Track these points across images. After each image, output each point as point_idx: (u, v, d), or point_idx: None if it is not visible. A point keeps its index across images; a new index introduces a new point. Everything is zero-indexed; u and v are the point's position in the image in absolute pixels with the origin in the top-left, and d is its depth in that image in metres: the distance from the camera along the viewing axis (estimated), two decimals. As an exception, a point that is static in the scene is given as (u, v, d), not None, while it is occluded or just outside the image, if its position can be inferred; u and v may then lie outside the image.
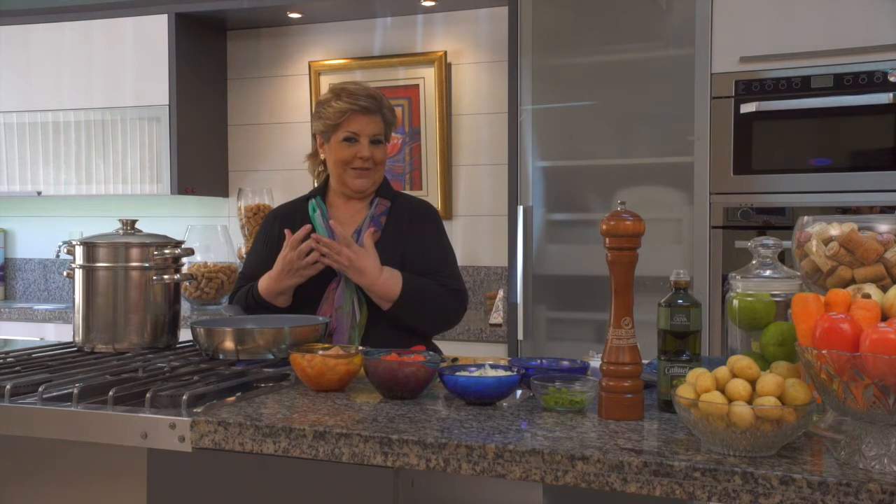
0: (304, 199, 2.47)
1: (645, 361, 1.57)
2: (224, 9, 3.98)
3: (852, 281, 1.43)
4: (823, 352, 1.21)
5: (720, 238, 2.99)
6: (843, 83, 2.87)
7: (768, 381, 1.29)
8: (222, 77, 4.37)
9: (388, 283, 2.25)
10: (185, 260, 2.28)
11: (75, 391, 1.62)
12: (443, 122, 3.97)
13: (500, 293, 3.54)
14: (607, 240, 1.52)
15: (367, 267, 2.23)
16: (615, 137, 3.28)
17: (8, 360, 2.00)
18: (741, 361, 1.33)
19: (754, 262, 1.59)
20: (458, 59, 4.00)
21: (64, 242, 2.28)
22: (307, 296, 2.32)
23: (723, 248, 2.98)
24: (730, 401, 1.28)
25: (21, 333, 3.94)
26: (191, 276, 2.46)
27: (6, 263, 4.78)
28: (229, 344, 1.94)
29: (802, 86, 2.91)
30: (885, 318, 1.27)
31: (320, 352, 1.79)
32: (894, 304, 1.28)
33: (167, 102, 4.03)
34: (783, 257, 1.62)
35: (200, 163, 4.21)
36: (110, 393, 1.60)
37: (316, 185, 2.55)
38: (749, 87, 2.96)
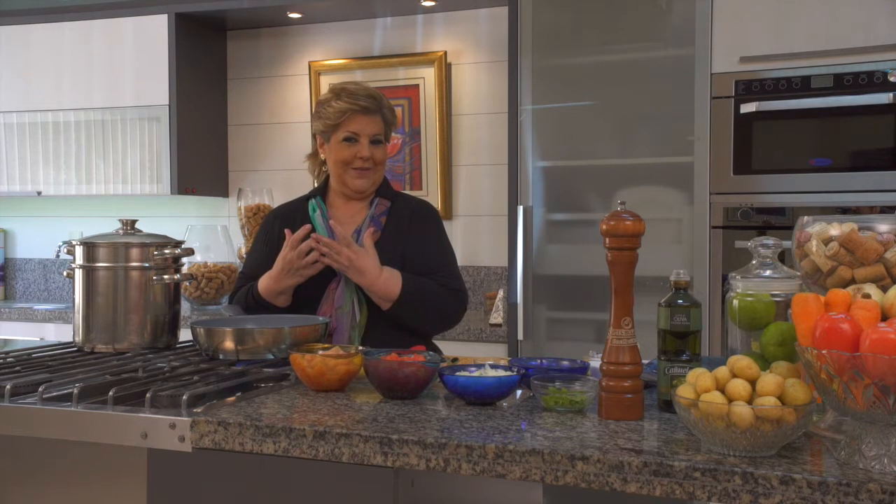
0: (304, 199, 2.47)
1: (645, 361, 1.57)
2: (224, 9, 3.98)
3: (852, 281, 1.43)
4: (823, 352, 1.21)
5: (720, 238, 2.99)
6: (843, 83, 2.87)
7: (768, 381, 1.29)
8: (222, 77, 4.37)
9: (387, 282, 2.25)
10: (185, 260, 2.28)
11: (75, 391, 1.62)
12: (443, 122, 3.97)
13: (500, 293, 3.54)
14: (607, 240, 1.52)
15: (366, 267, 2.23)
16: (615, 137, 3.28)
17: (8, 360, 2.00)
18: (741, 361, 1.33)
19: (754, 262, 1.59)
20: (458, 59, 4.00)
21: (64, 242, 2.28)
22: (307, 296, 2.32)
23: (723, 248, 2.98)
24: (730, 401, 1.28)
25: (21, 333, 3.94)
26: (191, 276, 2.46)
27: (6, 263, 4.78)
28: (229, 344, 1.94)
29: (802, 86, 2.91)
30: (885, 318, 1.27)
31: (320, 352, 1.79)
32: (894, 304, 1.28)
33: (167, 102, 4.03)
34: (783, 257, 1.62)
35: (200, 163, 4.21)
36: (110, 393, 1.60)
37: (316, 185, 2.55)
38: (749, 87, 2.97)
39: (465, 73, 4.00)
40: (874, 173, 2.83)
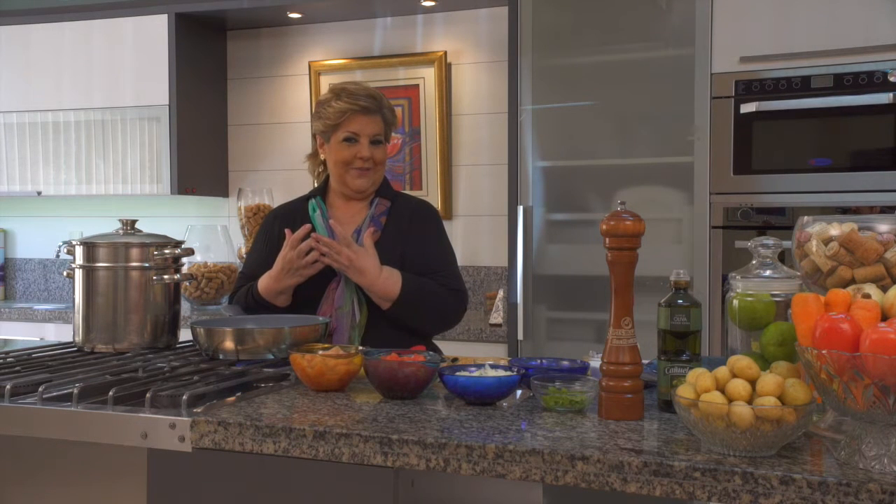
0: (304, 199, 2.47)
1: (645, 361, 1.57)
2: (224, 9, 3.98)
3: (852, 281, 1.43)
4: (823, 352, 1.21)
5: (720, 238, 2.99)
6: (843, 83, 2.87)
7: (768, 381, 1.29)
8: (222, 77, 4.37)
9: (387, 282, 2.25)
10: (185, 260, 2.28)
11: (75, 391, 1.62)
12: (443, 122, 3.97)
13: (500, 293, 3.54)
14: (607, 240, 1.52)
15: (366, 267, 2.23)
16: (615, 137, 3.28)
17: (8, 360, 2.00)
18: (741, 361, 1.33)
19: (754, 262, 1.59)
20: (458, 59, 4.00)
21: (64, 242, 2.28)
22: (307, 296, 2.32)
23: (723, 248, 2.98)
24: (730, 401, 1.28)
25: (21, 333, 3.94)
26: (191, 276, 2.46)
27: (6, 263, 4.78)
28: (229, 344, 1.94)
29: (802, 86, 2.91)
30: (885, 318, 1.27)
31: (320, 352, 1.79)
32: (894, 304, 1.28)
33: (167, 102, 4.03)
34: (783, 257, 1.62)
35: (200, 163, 4.21)
36: (110, 393, 1.60)
37: (316, 185, 2.55)
38: (749, 87, 2.97)
39: (465, 73, 4.00)
40: (874, 173, 2.83)
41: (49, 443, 1.67)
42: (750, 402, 1.28)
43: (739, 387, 1.29)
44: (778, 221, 2.93)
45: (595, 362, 1.75)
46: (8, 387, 1.64)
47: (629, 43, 3.23)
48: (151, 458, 1.55)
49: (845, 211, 2.83)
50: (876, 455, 1.20)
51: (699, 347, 1.55)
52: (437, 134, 3.98)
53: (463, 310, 2.39)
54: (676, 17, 3.15)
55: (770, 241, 1.59)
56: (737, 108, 2.97)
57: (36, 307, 4.10)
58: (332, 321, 2.25)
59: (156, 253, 2.15)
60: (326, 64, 4.17)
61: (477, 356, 2.33)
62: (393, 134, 2.81)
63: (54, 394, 1.68)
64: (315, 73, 4.18)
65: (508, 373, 1.68)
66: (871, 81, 2.83)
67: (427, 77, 4.00)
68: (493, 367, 1.73)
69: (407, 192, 3.26)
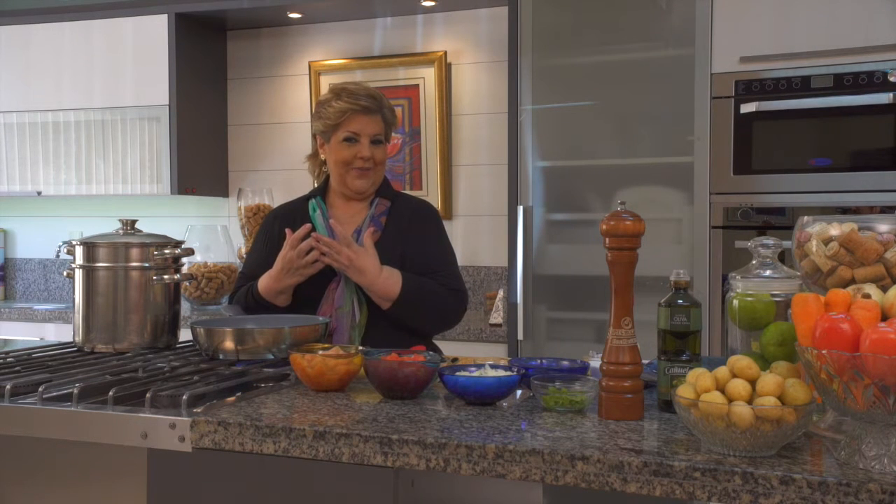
0: (304, 199, 2.47)
1: (645, 361, 1.57)
2: (224, 9, 3.98)
3: (852, 281, 1.43)
4: (823, 352, 1.21)
5: (720, 238, 2.99)
6: (843, 83, 2.87)
7: (768, 381, 1.29)
8: (222, 77, 4.37)
9: (387, 282, 2.25)
10: (185, 260, 2.28)
11: (75, 391, 1.62)
12: (443, 122, 3.97)
13: (500, 293, 3.54)
14: (607, 240, 1.52)
15: (366, 266, 2.23)
16: (615, 137, 3.28)
17: (8, 360, 2.00)
18: (741, 361, 1.33)
19: (754, 262, 1.59)
20: (458, 59, 4.00)
21: (64, 242, 2.28)
22: (307, 296, 2.32)
23: (723, 248, 2.98)
24: (730, 401, 1.28)
25: (21, 333, 3.94)
26: (191, 276, 2.46)
27: (6, 263, 4.78)
28: (229, 344, 1.94)
29: (802, 86, 2.91)
30: (885, 318, 1.27)
31: (320, 352, 1.79)
32: (894, 304, 1.28)
33: (167, 102, 4.03)
34: (783, 257, 1.62)
35: (200, 163, 4.21)
36: (110, 393, 1.60)
37: (316, 185, 2.55)
38: (749, 87, 2.97)
39: (465, 73, 4.00)
40: (874, 173, 2.83)
41: (49, 443, 1.67)
42: (750, 402, 1.28)
43: (739, 387, 1.29)
44: (778, 221, 2.93)
45: (595, 362, 1.75)
46: (8, 387, 1.64)
47: (629, 43, 3.23)
48: (151, 458, 1.55)
49: (845, 211, 2.83)
50: (876, 455, 1.20)
51: (699, 347, 1.55)
52: (437, 134, 3.98)
53: (463, 310, 2.39)
54: (676, 17, 3.15)
55: (770, 241, 1.59)
56: (737, 108, 2.97)
57: (36, 307, 4.10)
58: (332, 321, 2.25)
59: (156, 253, 2.15)
60: (326, 64, 4.17)
61: (477, 356, 2.33)
62: (393, 134, 2.81)
63: (54, 394, 1.68)
64: (315, 73, 4.18)
65: (508, 373, 1.68)
66: (871, 81, 2.83)
67: (427, 77, 4.00)
68: (493, 367, 1.73)
69: (407, 192, 3.26)
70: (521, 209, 3.25)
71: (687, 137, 3.06)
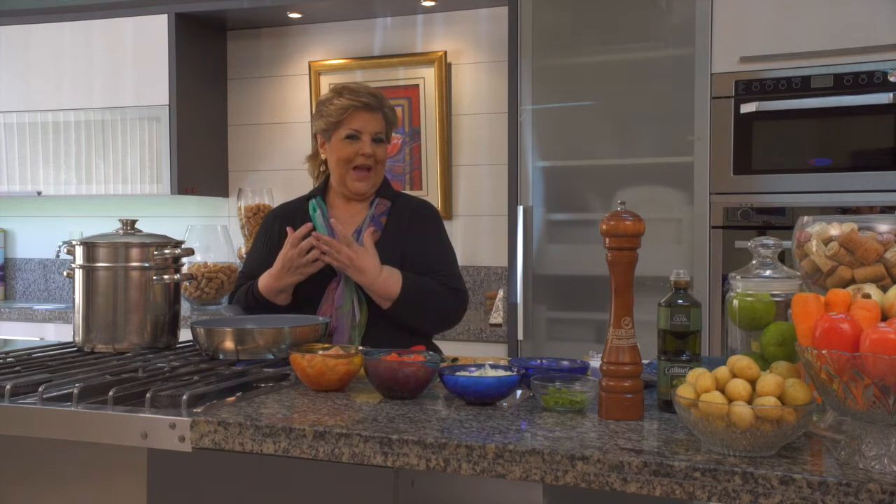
0: (305, 199, 2.47)
1: (645, 361, 1.57)
2: (224, 9, 3.98)
3: (852, 281, 1.43)
4: (823, 352, 1.21)
5: (720, 238, 2.99)
6: (843, 83, 2.87)
7: (768, 381, 1.29)
8: (222, 77, 4.37)
9: (387, 281, 2.25)
10: (185, 260, 2.28)
11: (75, 391, 1.62)
12: (443, 122, 3.97)
13: (500, 293, 3.54)
14: (607, 240, 1.52)
15: (367, 266, 2.23)
16: (615, 137, 3.28)
17: (8, 360, 2.00)
18: (741, 361, 1.33)
19: (754, 262, 1.59)
20: (458, 59, 4.00)
21: (64, 242, 2.28)
22: (307, 295, 2.32)
23: (723, 248, 2.98)
24: (730, 401, 1.28)
25: (21, 333, 3.93)
26: (191, 276, 2.46)
27: (6, 263, 4.78)
28: (229, 344, 1.94)
29: (802, 86, 2.91)
30: (885, 318, 1.27)
31: (320, 352, 1.79)
32: (894, 304, 1.28)
33: (167, 102, 4.03)
34: (783, 257, 1.62)
35: (200, 163, 4.21)
36: (110, 393, 1.60)
37: (315, 186, 2.55)
38: (749, 87, 2.96)
39: (465, 73, 4.00)
40: (874, 173, 2.83)
41: (49, 443, 1.67)
42: (750, 402, 1.28)
43: (739, 387, 1.29)
44: (778, 221, 2.93)
45: (595, 362, 1.75)
46: (8, 387, 1.64)
47: (629, 43, 3.23)
48: (151, 458, 1.55)
49: (845, 211, 2.83)
50: (876, 455, 1.20)
51: (699, 347, 1.55)
52: (437, 134, 3.98)
53: (463, 309, 2.39)
54: (676, 17, 3.15)
55: (770, 241, 1.59)
56: (737, 108, 2.97)
57: (36, 307, 4.10)
58: (332, 321, 2.25)
59: (156, 253, 2.15)
60: (326, 64, 4.17)
61: (477, 356, 2.33)
62: (393, 134, 2.81)
63: (54, 394, 1.68)
64: (315, 73, 4.18)
65: (508, 373, 1.68)
66: (871, 81, 2.83)
67: (427, 77, 4.00)
68: (493, 367, 1.73)
69: (407, 192, 3.26)
70: (521, 209, 3.25)
71: (687, 137, 3.06)
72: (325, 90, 3.99)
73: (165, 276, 2.16)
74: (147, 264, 2.14)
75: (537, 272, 3.30)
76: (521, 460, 1.31)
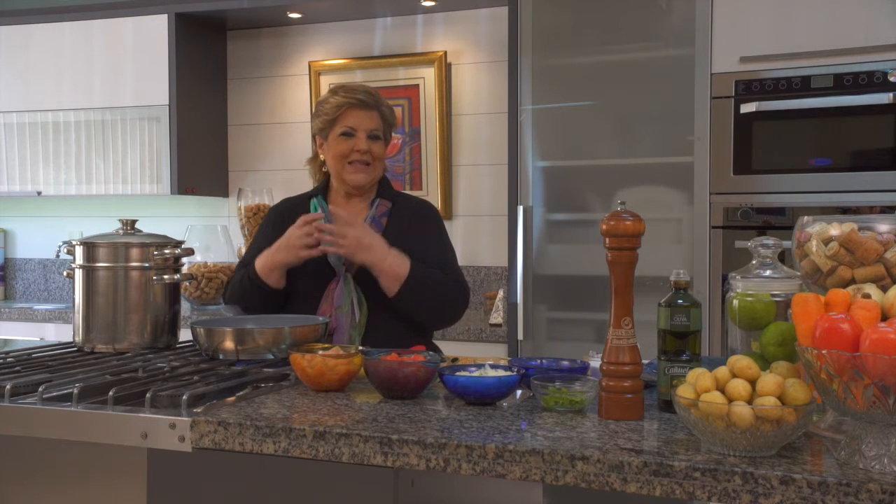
0: (307, 197, 2.48)
1: (645, 361, 1.57)
2: (224, 9, 3.98)
3: (852, 281, 1.43)
4: (823, 352, 1.21)
5: (720, 238, 2.99)
6: (843, 83, 2.87)
7: (768, 381, 1.29)
8: (222, 77, 4.37)
9: (396, 260, 2.24)
10: (185, 260, 2.27)
11: (75, 391, 1.62)
12: (443, 122, 3.97)
13: (500, 293, 3.54)
14: (607, 240, 1.52)
15: (374, 242, 2.23)
16: (615, 137, 3.28)
17: (8, 360, 2.00)
18: (741, 361, 1.33)
19: (754, 262, 1.59)
20: (458, 59, 4.00)
21: (64, 242, 2.28)
22: (307, 294, 2.31)
23: (723, 248, 2.98)
24: (730, 401, 1.28)
25: (21, 333, 3.93)
26: (191, 276, 2.46)
27: (6, 263, 4.78)
28: (229, 344, 1.94)
29: (802, 86, 2.91)
30: (885, 318, 1.27)
31: (320, 352, 1.79)
32: (894, 304, 1.28)
33: (167, 102, 4.03)
34: (783, 257, 1.62)
35: (200, 163, 4.21)
36: (110, 393, 1.60)
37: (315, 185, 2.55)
38: (749, 87, 2.96)
39: (465, 73, 4.00)
40: (874, 173, 2.83)
41: (49, 443, 1.67)
42: (750, 402, 1.28)
43: (739, 387, 1.29)
44: (778, 221, 2.93)
45: (595, 362, 1.75)
46: (8, 387, 1.64)
47: (629, 43, 3.23)
48: (151, 458, 1.55)
49: (845, 211, 2.83)
50: (876, 455, 1.20)
51: (699, 347, 1.55)
52: (437, 134, 3.98)
53: (465, 304, 2.37)
54: (676, 17, 3.15)
55: (770, 241, 1.59)
56: (737, 108, 2.97)
57: (36, 307, 4.10)
58: (331, 321, 2.25)
59: (156, 253, 2.15)
60: (326, 64, 4.17)
61: (477, 356, 2.32)
62: (393, 134, 2.81)
63: (54, 394, 1.68)
64: (315, 73, 4.18)
65: (508, 373, 1.68)
66: (871, 81, 2.83)
67: (427, 77, 4.00)
68: (493, 367, 1.73)
69: (407, 192, 3.26)
70: (521, 209, 3.25)
71: (687, 137, 3.06)
72: (325, 90, 3.99)
73: (165, 276, 2.16)
74: (147, 264, 2.14)
75: (537, 272, 3.30)
76: (521, 460, 1.31)
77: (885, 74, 2.81)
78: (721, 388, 1.30)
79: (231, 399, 1.65)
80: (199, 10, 4.00)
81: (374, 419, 1.50)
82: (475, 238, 3.99)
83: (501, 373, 1.68)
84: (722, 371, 1.32)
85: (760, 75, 2.96)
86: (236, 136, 4.39)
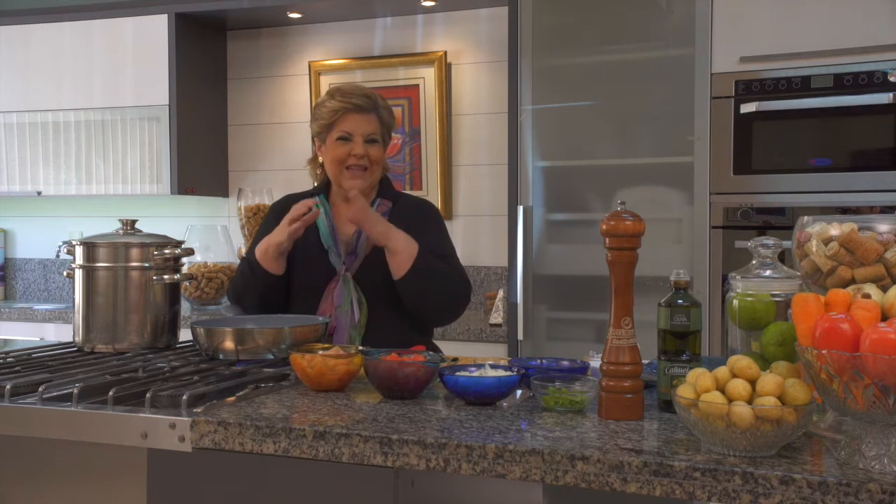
0: (309, 195, 2.48)
1: (645, 361, 1.57)
2: (224, 9, 3.98)
3: (852, 281, 1.43)
4: (823, 352, 1.21)
5: (720, 238, 2.99)
6: (843, 83, 2.87)
7: (768, 381, 1.29)
8: (222, 77, 4.37)
9: (407, 238, 2.25)
10: (185, 260, 2.28)
11: (75, 391, 1.62)
12: (443, 122, 3.97)
13: (500, 293, 3.54)
14: (607, 240, 1.52)
15: (380, 219, 2.26)
16: (615, 137, 3.28)
17: (8, 360, 2.00)
18: (741, 361, 1.33)
19: (754, 262, 1.59)
20: (458, 59, 4.00)
21: (64, 242, 2.28)
22: (307, 294, 2.31)
23: (723, 248, 2.98)
24: (730, 401, 1.28)
25: (21, 333, 3.93)
26: (191, 276, 2.46)
27: (6, 263, 4.78)
28: (229, 344, 1.94)
29: (802, 86, 2.91)
30: (885, 318, 1.27)
31: (320, 352, 1.79)
32: (894, 304, 1.28)
33: (167, 102, 4.03)
34: (783, 257, 1.62)
35: (200, 163, 4.21)
36: (110, 393, 1.60)
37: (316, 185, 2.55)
38: (749, 87, 2.96)
39: (465, 73, 4.00)
40: (874, 173, 2.83)
41: (49, 443, 1.67)
42: (750, 402, 1.28)
43: (739, 387, 1.29)
44: (778, 221, 2.93)
45: (595, 362, 1.75)
46: (8, 387, 1.64)
47: (629, 43, 3.23)
48: (151, 458, 1.55)
49: (845, 211, 2.83)
50: (876, 455, 1.20)
51: (699, 347, 1.55)
52: (437, 134, 3.98)
53: (467, 298, 2.36)
54: (676, 17, 3.15)
55: (770, 241, 1.59)
56: (737, 108, 2.97)
57: (36, 307, 4.10)
58: (331, 320, 2.25)
59: (156, 253, 2.15)
60: (326, 64, 4.17)
61: (477, 356, 2.32)
62: (393, 134, 2.81)
63: (54, 394, 1.68)
64: (315, 73, 4.18)
65: (508, 373, 1.68)
66: (871, 81, 2.83)
67: (427, 77, 4.00)
68: (493, 367, 1.73)
69: (407, 192, 3.26)
70: (521, 209, 3.25)
71: (687, 137, 3.06)
72: (325, 90, 3.99)
73: (165, 276, 2.16)
74: (147, 264, 2.14)
75: (537, 272, 3.30)
76: (521, 460, 1.31)
77: (885, 74, 2.81)
78: (721, 388, 1.30)
79: (231, 399, 1.65)
80: (199, 10, 4.00)
81: (374, 419, 1.50)
82: (475, 238, 3.99)
83: (501, 373, 1.68)
84: (722, 371, 1.32)
85: (760, 75, 2.96)
86: (236, 136, 4.39)
